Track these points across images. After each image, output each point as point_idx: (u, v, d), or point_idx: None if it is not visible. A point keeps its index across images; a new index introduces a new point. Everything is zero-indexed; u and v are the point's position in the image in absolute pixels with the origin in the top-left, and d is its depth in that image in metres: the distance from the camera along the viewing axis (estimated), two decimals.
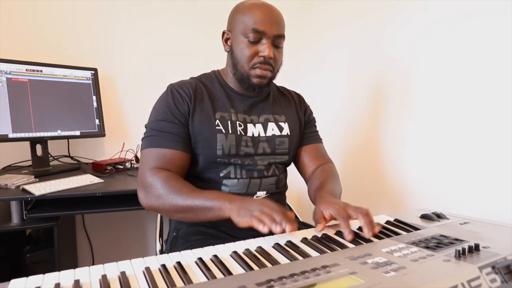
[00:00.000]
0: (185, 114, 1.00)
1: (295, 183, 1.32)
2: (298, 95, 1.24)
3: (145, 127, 1.03)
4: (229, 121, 1.03)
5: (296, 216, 1.31)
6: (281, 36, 1.01)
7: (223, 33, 1.07)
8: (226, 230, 1.03)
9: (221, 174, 1.02)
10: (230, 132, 1.02)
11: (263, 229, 0.74)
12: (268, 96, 1.14)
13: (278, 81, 1.18)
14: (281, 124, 1.11)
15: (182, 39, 1.99)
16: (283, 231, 0.75)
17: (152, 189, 0.92)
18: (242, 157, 1.03)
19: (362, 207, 0.83)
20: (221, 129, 1.01)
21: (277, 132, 1.09)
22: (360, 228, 0.81)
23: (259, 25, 0.97)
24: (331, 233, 0.82)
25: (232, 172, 1.02)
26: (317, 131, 1.23)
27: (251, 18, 0.98)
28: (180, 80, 1.08)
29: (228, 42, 1.06)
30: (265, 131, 1.08)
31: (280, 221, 0.75)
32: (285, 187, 1.16)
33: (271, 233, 0.76)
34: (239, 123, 1.04)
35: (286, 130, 1.11)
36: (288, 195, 1.19)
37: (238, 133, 1.03)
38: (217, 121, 1.02)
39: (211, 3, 2.01)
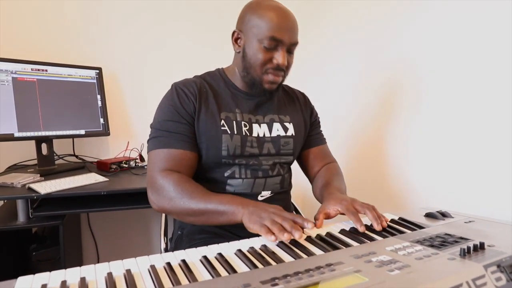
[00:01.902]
0: (191, 113, 1.00)
1: (300, 182, 1.32)
2: (303, 95, 1.23)
3: (151, 127, 1.02)
4: (234, 122, 1.02)
5: (300, 214, 1.32)
6: (296, 44, 1.00)
7: (233, 32, 1.04)
8: (230, 229, 1.03)
9: (226, 174, 1.02)
10: (235, 132, 1.01)
11: (270, 239, 0.73)
12: (273, 96, 1.13)
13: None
14: (286, 124, 1.11)
15: (186, 37, 2.00)
16: (290, 238, 0.74)
17: (164, 192, 0.92)
18: (247, 157, 1.03)
19: (368, 204, 0.86)
20: (226, 129, 1.00)
21: (282, 133, 1.09)
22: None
23: (277, 33, 0.94)
24: (335, 231, 0.82)
25: (236, 172, 1.02)
26: (321, 132, 1.23)
27: (268, 24, 0.95)
28: (184, 79, 1.07)
29: (239, 42, 1.03)
30: (270, 132, 1.08)
31: (290, 229, 0.74)
32: (289, 186, 1.16)
33: None
34: (244, 123, 1.04)
35: (291, 131, 1.11)
36: (292, 194, 1.19)
37: (243, 133, 1.02)
38: (223, 121, 1.01)
39: (218, 5, 2.01)
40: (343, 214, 0.88)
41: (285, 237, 0.72)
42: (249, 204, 0.85)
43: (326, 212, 0.88)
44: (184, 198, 0.90)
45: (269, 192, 1.06)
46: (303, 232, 0.75)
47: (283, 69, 1.00)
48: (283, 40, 0.95)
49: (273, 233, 0.73)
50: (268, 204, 0.85)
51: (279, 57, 0.97)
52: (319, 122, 1.24)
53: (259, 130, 1.06)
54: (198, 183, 0.95)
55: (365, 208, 0.84)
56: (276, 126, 1.09)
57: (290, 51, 1.00)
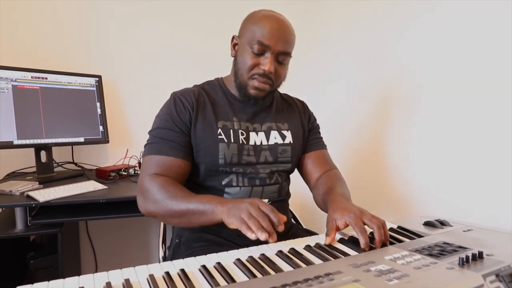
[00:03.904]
0: (187, 122, 1.01)
1: (298, 190, 1.32)
2: (302, 103, 1.24)
3: (148, 134, 1.04)
4: (231, 130, 1.04)
5: (298, 223, 1.31)
6: (286, 53, 1.01)
7: (233, 37, 1.07)
8: (227, 237, 1.03)
9: (223, 182, 1.03)
10: (232, 141, 1.02)
11: (250, 236, 0.73)
12: (271, 104, 1.14)
13: (282, 87, 1.18)
14: (284, 132, 1.11)
15: (186, 46, 2.01)
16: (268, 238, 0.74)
17: (149, 194, 0.93)
18: (244, 165, 1.03)
19: (379, 218, 0.81)
20: (223, 138, 1.02)
21: (280, 141, 1.09)
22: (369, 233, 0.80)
23: (265, 38, 0.96)
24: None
25: (234, 180, 1.03)
26: (321, 138, 1.23)
27: (259, 30, 0.97)
28: (183, 88, 1.09)
29: (236, 48, 1.06)
30: (268, 140, 1.08)
31: (267, 228, 0.74)
32: (287, 195, 1.16)
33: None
34: (241, 132, 1.05)
35: (288, 139, 1.11)
36: (291, 202, 1.19)
37: (240, 142, 1.04)
38: (219, 130, 1.02)
39: (216, 9, 2.03)
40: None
41: (263, 237, 0.72)
42: (228, 202, 0.85)
43: (336, 227, 0.83)
44: (167, 200, 0.90)
45: (267, 200, 1.06)
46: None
47: (270, 77, 1.00)
48: (271, 46, 0.97)
49: (252, 230, 0.73)
50: (246, 198, 0.86)
51: (265, 63, 0.98)
52: (317, 127, 1.23)
53: (256, 138, 1.07)
54: (183, 186, 0.96)
55: (374, 224, 0.78)
56: (274, 134, 1.10)
57: (280, 60, 1.00)
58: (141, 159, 1.03)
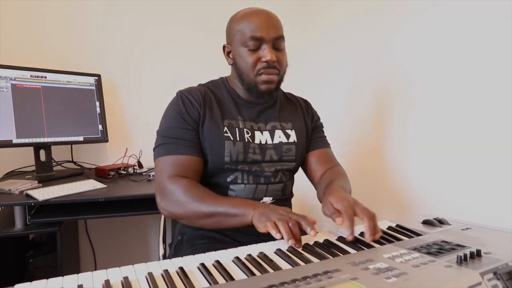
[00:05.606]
0: (196, 120, 1.02)
1: (299, 189, 1.32)
2: (305, 101, 1.24)
3: (157, 134, 1.04)
4: (237, 129, 1.04)
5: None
6: (280, 38, 1.01)
7: (224, 47, 1.08)
8: (230, 235, 1.03)
9: (228, 179, 1.03)
10: (238, 139, 1.03)
11: (275, 235, 0.75)
12: (275, 103, 1.14)
13: (283, 86, 1.18)
14: (288, 131, 1.12)
15: (185, 46, 2.01)
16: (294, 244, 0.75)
17: (174, 197, 0.94)
18: (250, 163, 1.04)
19: (370, 210, 0.83)
20: (229, 136, 1.02)
21: (284, 140, 1.10)
22: (362, 233, 0.81)
23: (257, 31, 0.97)
24: (332, 238, 0.82)
25: (239, 177, 1.03)
26: (325, 136, 1.23)
27: (247, 26, 0.98)
28: (189, 87, 1.09)
29: (230, 55, 1.06)
30: (272, 139, 1.09)
31: (295, 232, 0.76)
32: (291, 194, 1.17)
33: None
34: (246, 131, 1.06)
35: (293, 138, 1.12)
36: (292, 201, 1.19)
37: (246, 140, 1.04)
38: (226, 128, 1.03)
39: (215, 11, 2.03)
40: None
41: (290, 243, 0.74)
42: (259, 206, 0.87)
43: (336, 210, 0.84)
44: (195, 202, 0.91)
45: (271, 198, 1.07)
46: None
47: (275, 66, 1.01)
48: (264, 37, 0.98)
49: (279, 231, 0.75)
50: (278, 206, 0.87)
51: (265, 54, 0.98)
52: (321, 126, 1.24)
53: (261, 137, 1.08)
54: (207, 188, 0.97)
55: (365, 214, 0.80)
56: (278, 133, 1.10)
57: (276, 47, 1.01)
58: (154, 160, 1.02)
